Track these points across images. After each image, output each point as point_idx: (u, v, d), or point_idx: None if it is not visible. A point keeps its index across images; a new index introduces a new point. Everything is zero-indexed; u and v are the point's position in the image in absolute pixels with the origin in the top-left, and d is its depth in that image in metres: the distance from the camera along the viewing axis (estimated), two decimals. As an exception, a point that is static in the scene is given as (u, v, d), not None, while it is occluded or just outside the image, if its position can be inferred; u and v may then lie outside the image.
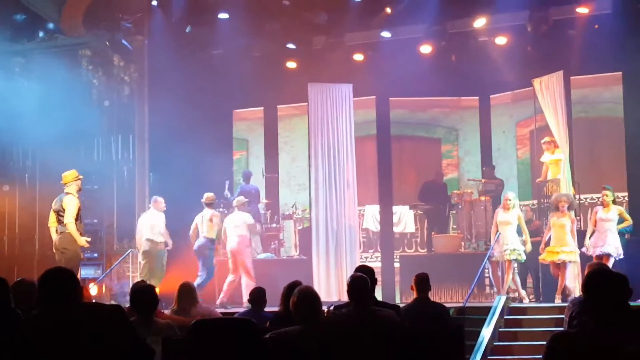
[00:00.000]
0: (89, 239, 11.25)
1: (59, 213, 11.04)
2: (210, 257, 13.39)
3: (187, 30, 15.31)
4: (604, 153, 16.44)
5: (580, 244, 12.58)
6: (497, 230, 12.83)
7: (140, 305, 6.21)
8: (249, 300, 8.26)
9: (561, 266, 12.43)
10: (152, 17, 14.89)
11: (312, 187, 14.75)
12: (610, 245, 12.20)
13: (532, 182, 16.44)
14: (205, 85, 15.53)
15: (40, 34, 14.61)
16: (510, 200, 12.83)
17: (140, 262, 13.16)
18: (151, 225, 13.05)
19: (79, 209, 11.10)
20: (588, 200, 15.32)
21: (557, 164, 14.38)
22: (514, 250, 12.56)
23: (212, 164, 15.25)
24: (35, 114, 13.40)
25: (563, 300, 12.05)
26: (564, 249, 12.39)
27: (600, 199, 12.79)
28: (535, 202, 15.38)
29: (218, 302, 13.15)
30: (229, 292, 13.39)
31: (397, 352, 5.68)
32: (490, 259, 12.76)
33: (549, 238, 12.61)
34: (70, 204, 11.00)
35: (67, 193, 11.10)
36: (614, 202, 12.56)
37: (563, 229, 12.45)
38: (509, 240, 12.61)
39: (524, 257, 12.69)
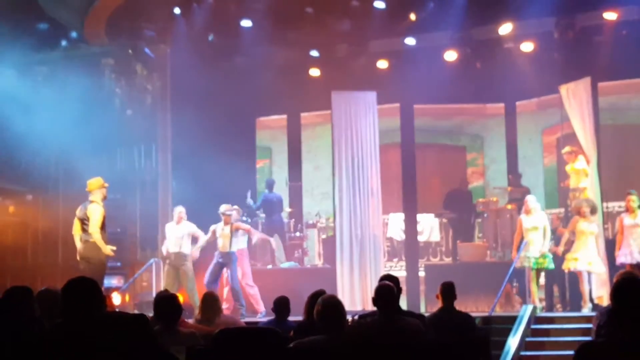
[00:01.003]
0: (114, 248, 11.17)
1: (84, 221, 10.98)
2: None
3: (209, 39, 15.29)
4: (633, 161, 16.24)
5: (609, 253, 12.37)
6: (522, 238, 12.65)
7: (164, 314, 6.16)
8: (273, 310, 8.19)
9: (583, 274, 12.22)
10: (175, 26, 14.86)
11: (336, 195, 14.67)
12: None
13: (558, 191, 16.28)
14: (228, 93, 15.49)
15: (63, 43, 14.66)
16: (530, 202, 12.65)
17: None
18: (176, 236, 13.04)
19: (104, 218, 11.03)
20: (616, 208, 15.09)
21: (577, 174, 14.23)
22: (545, 258, 12.35)
23: (235, 173, 15.19)
24: (58, 123, 13.41)
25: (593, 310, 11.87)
26: (587, 258, 12.16)
27: (624, 206, 12.51)
28: (562, 210, 15.21)
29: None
30: None
31: (421, 357, 5.58)
32: (517, 267, 12.58)
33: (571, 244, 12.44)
34: (95, 212, 10.93)
35: (92, 201, 11.03)
36: None
37: (586, 236, 12.25)
38: (537, 247, 12.40)
39: (552, 265, 12.49)
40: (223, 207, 13.13)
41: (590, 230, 12.28)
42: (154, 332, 4.33)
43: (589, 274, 12.29)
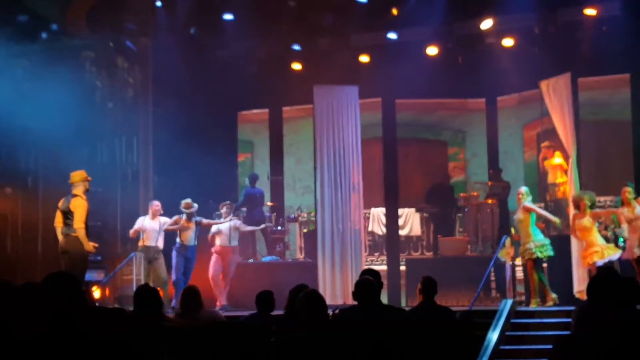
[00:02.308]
0: (96, 245, 11.15)
1: (66, 214, 10.94)
2: None
3: (191, 32, 15.24)
4: (612, 156, 16.34)
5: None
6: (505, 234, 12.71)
7: (144, 308, 6.13)
8: (256, 303, 8.18)
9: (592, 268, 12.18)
10: (157, 19, 14.82)
11: (318, 189, 14.67)
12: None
13: (539, 185, 16.34)
14: (209, 87, 15.46)
15: (44, 36, 14.52)
16: (522, 194, 12.66)
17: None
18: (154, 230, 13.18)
19: (87, 212, 11.00)
20: (608, 203, 15.19)
21: (554, 169, 14.31)
22: (542, 245, 12.34)
23: (217, 167, 15.17)
24: (38, 116, 13.32)
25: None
26: (591, 250, 12.12)
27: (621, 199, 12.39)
28: (542, 204, 15.27)
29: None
30: None
31: (402, 352, 5.60)
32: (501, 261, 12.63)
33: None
34: (79, 207, 10.88)
35: (75, 194, 10.99)
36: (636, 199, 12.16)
37: (584, 230, 12.20)
38: (530, 237, 12.39)
39: (550, 252, 12.45)
40: (183, 204, 13.36)
41: (587, 225, 12.21)
42: (133, 326, 4.32)
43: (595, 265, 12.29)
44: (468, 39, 15.23)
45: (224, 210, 13.97)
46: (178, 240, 13.33)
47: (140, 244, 13.21)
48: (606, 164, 16.28)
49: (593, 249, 12.04)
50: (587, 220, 12.17)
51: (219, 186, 15.31)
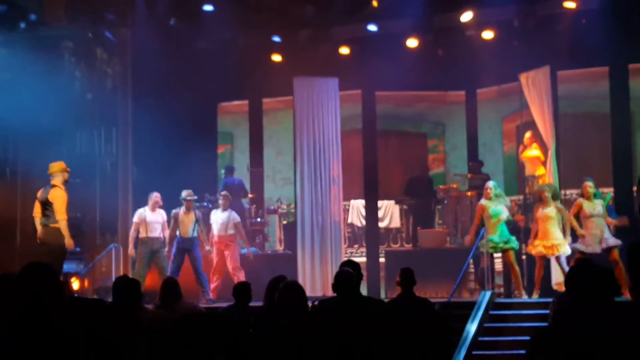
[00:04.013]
0: (72, 243, 11.12)
1: (45, 205, 10.89)
2: None
3: (171, 23, 15.16)
4: (591, 149, 16.43)
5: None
6: (481, 225, 12.74)
7: (124, 299, 6.12)
8: (233, 295, 8.19)
9: (539, 260, 12.40)
10: (136, 9, 14.72)
11: (298, 181, 14.67)
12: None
13: (518, 178, 16.42)
14: (189, 78, 15.40)
15: (22, 25, 14.40)
16: (490, 189, 12.72)
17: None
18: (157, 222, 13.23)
19: (66, 203, 10.97)
20: (574, 195, 15.26)
21: (532, 162, 14.37)
22: (509, 240, 12.47)
23: (197, 158, 15.13)
24: (16, 106, 13.23)
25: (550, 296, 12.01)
26: (554, 242, 12.27)
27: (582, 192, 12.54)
28: (521, 197, 15.36)
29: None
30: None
31: (381, 343, 5.62)
32: (478, 252, 12.68)
33: (537, 231, 12.51)
34: (59, 197, 10.85)
35: (54, 185, 10.95)
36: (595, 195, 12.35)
37: (548, 221, 12.35)
38: (503, 232, 12.50)
39: (516, 246, 12.60)
40: (184, 193, 13.21)
41: (551, 214, 12.36)
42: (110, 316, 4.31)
43: (548, 259, 12.43)
44: (448, 32, 15.24)
45: (222, 201, 13.82)
46: (178, 233, 13.22)
47: (142, 235, 13.07)
48: (585, 157, 16.38)
49: (558, 242, 12.23)
50: (551, 210, 12.35)
51: (199, 177, 15.25)
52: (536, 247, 12.38)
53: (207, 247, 13.45)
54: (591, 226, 12.11)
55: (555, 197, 12.55)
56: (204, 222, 13.58)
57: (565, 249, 12.26)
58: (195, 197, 13.51)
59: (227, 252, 13.66)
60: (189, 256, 13.17)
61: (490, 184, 12.93)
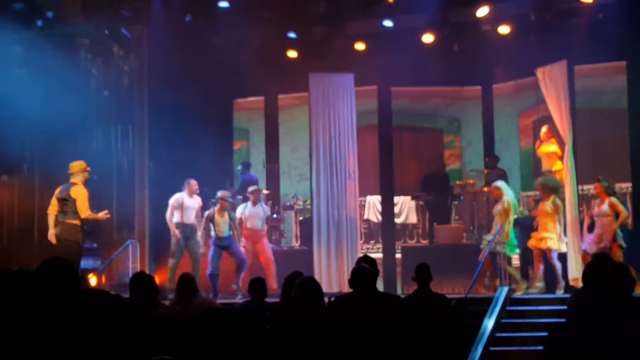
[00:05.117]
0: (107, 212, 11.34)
1: (65, 202, 10.95)
2: None
3: (187, 20, 15.18)
4: (608, 144, 16.34)
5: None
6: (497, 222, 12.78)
7: (140, 295, 6.14)
8: (249, 291, 8.20)
9: (543, 254, 12.39)
10: (152, 6, 14.75)
11: (313, 177, 14.66)
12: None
13: (534, 173, 16.34)
14: (205, 74, 15.42)
15: (39, 23, 14.47)
16: (498, 189, 12.76)
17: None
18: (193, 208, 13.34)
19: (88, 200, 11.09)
20: (591, 191, 15.20)
21: (549, 157, 14.31)
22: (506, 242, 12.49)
23: (213, 154, 15.16)
24: (33, 103, 13.29)
25: (566, 292, 11.97)
26: (544, 235, 12.29)
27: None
28: (537, 192, 15.29)
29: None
30: None
31: (398, 339, 5.61)
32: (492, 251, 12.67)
33: (537, 225, 12.59)
34: (81, 195, 10.94)
35: (74, 183, 11.01)
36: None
37: (544, 215, 12.38)
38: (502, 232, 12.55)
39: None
40: (220, 193, 13.42)
41: (546, 209, 12.39)
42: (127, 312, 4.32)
43: (551, 253, 12.41)
44: (464, 27, 15.19)
45: (253, 196, 13.86)
46: (213, 233, 13.28)
47: (177, 220, 13.14)
48: (602, 152, 16.28)
49: (548, 235, 12.25)
50: (548, 205, 12.40)
51: (215, 174, 15.28)
52: (530, 241, 12.45)
53: (241, 243, 13.47)
54: (595, 226, 12.08)
55: (553, 191, 12.53)
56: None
57: (557, 245, 12.24)
58: (232, 199, 13.59)
59: (260, 246, 13.74)
60: (230, 253, 13.30)
61: (499, 183, 12.96)
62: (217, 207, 13.34)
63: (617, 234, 11.86)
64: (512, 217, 12.63)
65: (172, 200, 13.27)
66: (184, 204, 13.21)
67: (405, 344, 5.80)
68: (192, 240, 13.21)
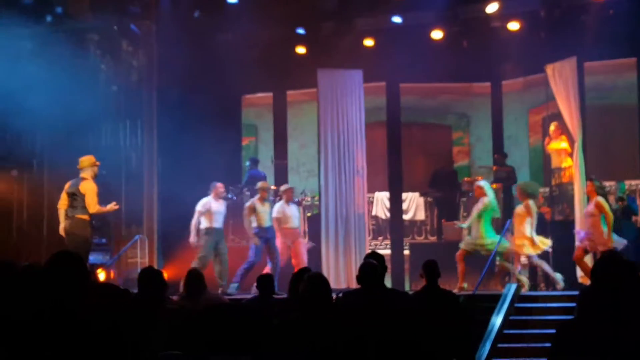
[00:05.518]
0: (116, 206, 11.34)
1: (74, 197, 10.97)
2: None
3: (195, 15, 15.19)
4: (617, 141, 16.29)
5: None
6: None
7: (149, 290, 6.15)
8: (257, 287, 8.21)
9: (516, 255, 12.45)
10: (160, 2, 14.77)
11: (322, 173, 14.66)
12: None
13: (544, 170, 16.30)
14: (213, 70, 15.42)
15: (48, 19, 14.50)
16: (481, 188, 12.71)
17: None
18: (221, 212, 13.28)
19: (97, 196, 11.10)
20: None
21: (558, 154, 14.27)
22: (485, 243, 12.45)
23: (221, 150, 15.15)
24: (42, 99, 13.31)
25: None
26: (518, 242, 12.33)
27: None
28: (547, 189, 15.27)
29: None
30: None
31: (406, 335, 5.60)
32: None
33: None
34: (90, 190, 10.95)
35: (84, 178, 11.04)
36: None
37: (517, 218, 12.44)
38: (475, 232, 12.54)
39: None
40: (260, 184, 13.53)
41: (518, 211, 12.48)
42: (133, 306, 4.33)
43: (529, 258, 12.42)
44: (473, 23, 15.16)
45: (286, 195, 13.70)
46: (255, 224, 13.20)
47: (207, 226, 13.08)
48: (611, 149, 16.24)
49: (521, 242, 12.27)
50: (519, 208, 12.46)
51: (223, 169, 15.29)
52: (510, 245, 12.44)
53: (255, 240, 13.41)
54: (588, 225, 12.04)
55: (530, 196, 12.49)
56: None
57: (530, 249, 12.25)
58: (272, 188, 13.50)
59: (297, 246, 13.56)
60: (268, 247, 13.26)
61: (482, 183, 12.91)
62: (257, 197, 13.32)
63: (611, 236, 11.71)
64: (488, 217, 12.55)
65: (199, 206, 13.19)
66: (212, 209, 13.14)
67: (413, 340, 5.79)
68: (220, 244, 13.17)
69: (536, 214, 12.42)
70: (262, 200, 13.33)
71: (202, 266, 12.41)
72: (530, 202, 12.39)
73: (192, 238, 13.14)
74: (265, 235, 13.23)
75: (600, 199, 11.72)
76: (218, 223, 13.19)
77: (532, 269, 13.39)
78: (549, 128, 14.63)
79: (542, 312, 11.30)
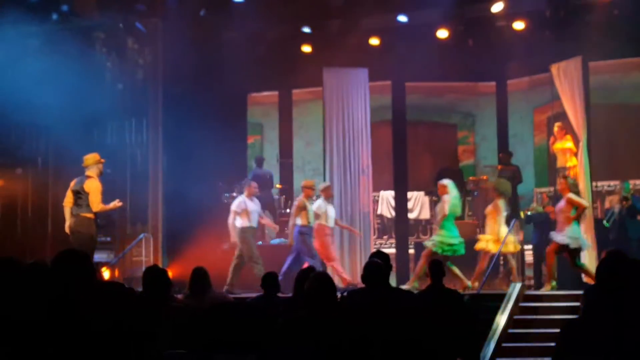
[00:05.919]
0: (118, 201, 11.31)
1: (79, 195, 10.98)
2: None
3: (201, 14, 15.19)
4: (623, 140, 16.28)
5: (598, 232, 12.38)
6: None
7: (153, 289, 6.16)
8: (262, 285, 8.20)
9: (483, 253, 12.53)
10: (166, 0, 14.77)
11: (327, 172, 14.67)
12: None
13: (548, 169, 16.30)
14: (219, 69, 15.43)
15: (54, 16, 14.51)
16: (444, 186, 12.66)
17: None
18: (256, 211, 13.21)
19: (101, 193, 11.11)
20: (605, 187, 15.17)
21: (564, 153, 14.26)
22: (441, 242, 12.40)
23: (227, 149, 15.16)
24: (48, 96, 13.33)
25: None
26: (482, 237, 12.56)
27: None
28: (552, 189, 15.25)
29: None
30: None
31: (410, 334, 5.61)
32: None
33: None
34: (95, 188, 10.95)
35: (89, 176, 11.05)
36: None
37: (487, 216, 12.64)
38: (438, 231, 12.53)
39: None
40: (304, 182, 13.35)
41: (487, 210, 12.70)
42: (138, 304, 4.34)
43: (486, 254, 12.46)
44: (479, 22, 15.14)
45: (324, 193, 13.46)
46: (300, 222, 13.01)
47: (245, 225, 13.00)
48: (616, 148, 16.22)
49: (485, 237, 12.52)
50: (489, 207, 12.71)
51: (229, 168, 15.30)
52: (486, 244, 12.56)
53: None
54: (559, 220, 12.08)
55: (500, 193, 12.56)
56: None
57: (491, 246, 12.36)
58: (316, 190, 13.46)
59: (329, 244, 13.45)
60: (310, 243, 13.13)
61: (445, 182, 12.86)
62: (302, 195, 13.17)
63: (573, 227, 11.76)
64: (450, 215, 12.52)
65: (234, 206, 13.12)
66: (248, 208, 13.05)
67: (418, 339, 5.79)
68: (253, 241, 13.17)
69: (504, 213, 12.52)
70: (308, 198, 13.18)
71: (258, 264, 12.46)
72: (500, 201, 12.49)
73: (233, 237, 13.09)
74: (310, 233, 13.05)
75: (572, 195, 11.82)
76: (255, 222, 13.13)
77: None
78: (553, 129, 14.62)
79: (547, 312, 11.29)
